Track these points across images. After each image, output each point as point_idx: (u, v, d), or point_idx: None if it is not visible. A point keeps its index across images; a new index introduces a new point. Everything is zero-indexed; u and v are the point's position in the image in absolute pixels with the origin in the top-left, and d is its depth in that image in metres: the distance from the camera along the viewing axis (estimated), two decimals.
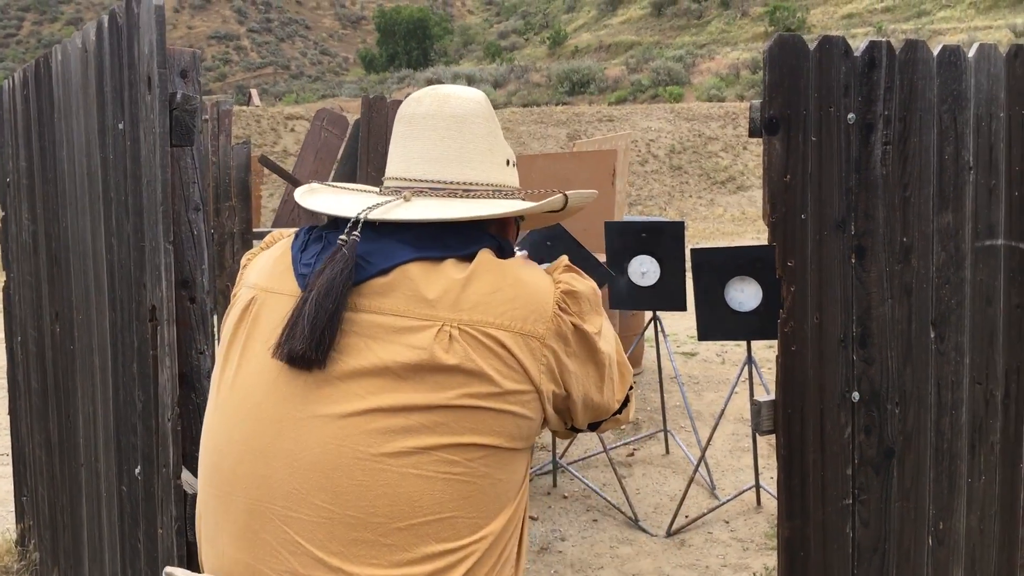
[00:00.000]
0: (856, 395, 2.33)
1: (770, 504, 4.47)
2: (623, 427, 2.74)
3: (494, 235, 1.32)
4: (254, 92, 35.49)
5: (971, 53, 2.47)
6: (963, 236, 2.49)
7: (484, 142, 1.33)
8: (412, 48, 70.84)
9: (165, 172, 1.51)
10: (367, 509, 1.13)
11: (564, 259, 1.33)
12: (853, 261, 2.30)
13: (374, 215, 1.25)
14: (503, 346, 1.17)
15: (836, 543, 2.36)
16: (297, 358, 1.18)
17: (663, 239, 4.32)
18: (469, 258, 1.24)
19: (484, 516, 1.17)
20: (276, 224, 3.88)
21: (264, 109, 24.85)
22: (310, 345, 1.17)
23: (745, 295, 3.81)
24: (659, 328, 4.84)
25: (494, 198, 1.33)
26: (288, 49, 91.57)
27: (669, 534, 4.19)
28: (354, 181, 4.03)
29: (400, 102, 4.24)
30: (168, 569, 1.25)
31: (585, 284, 1.29)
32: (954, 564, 2.60)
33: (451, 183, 1.31)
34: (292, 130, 23.00)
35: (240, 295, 1.34)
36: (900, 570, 2.48)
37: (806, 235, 2.23)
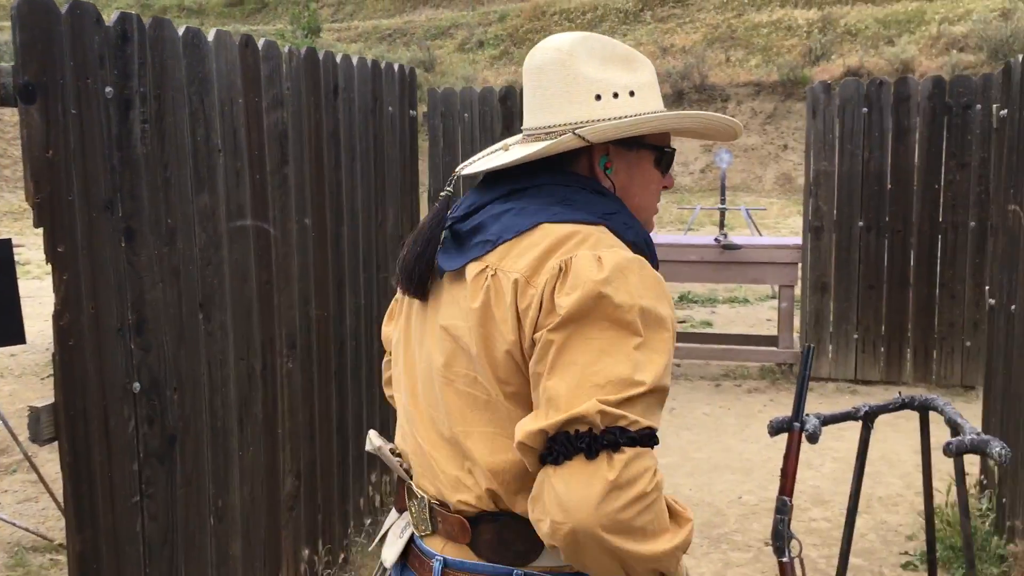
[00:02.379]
0: (137, 385, 2.22)
1: (5, 532, 3.98)
2: None
3: (581, 174, 1.42)
4: None
5: (211, 38, 2.53)
6: (219, 217, 2.55)
7: (560, 86, 1.42)
8: None
9: None
10: (438, 411, 1.38)
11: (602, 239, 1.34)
12: (123, 244, 2.17)
13: (468, 170, 1.51)
14: (514, 290, 1.28)
15: (128, 546, 2.22)
16: (404, 290, 1.47)
17: None
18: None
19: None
20: None
21: None
22: (409, 283, 1.43)
23: None
24: None
25: (561, 137, 1.38)
26: None
27: None
28: None
29: None
30: (370, 433, 1.56)
31: (586, 267, 1.25)
32: (232, 537, 2.68)
33: (537, 128, 1.44)
34: None
35: None
36: (188, 557, 2.45)
37: (75, 217, 2.02)
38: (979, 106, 5.69)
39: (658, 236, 6.92)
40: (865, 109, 5.91)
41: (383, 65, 3.61)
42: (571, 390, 1.18)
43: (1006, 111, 3.61)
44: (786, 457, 2.17)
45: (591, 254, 1.25)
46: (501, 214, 1.36)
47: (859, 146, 5.96)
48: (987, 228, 5.75)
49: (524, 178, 1.40)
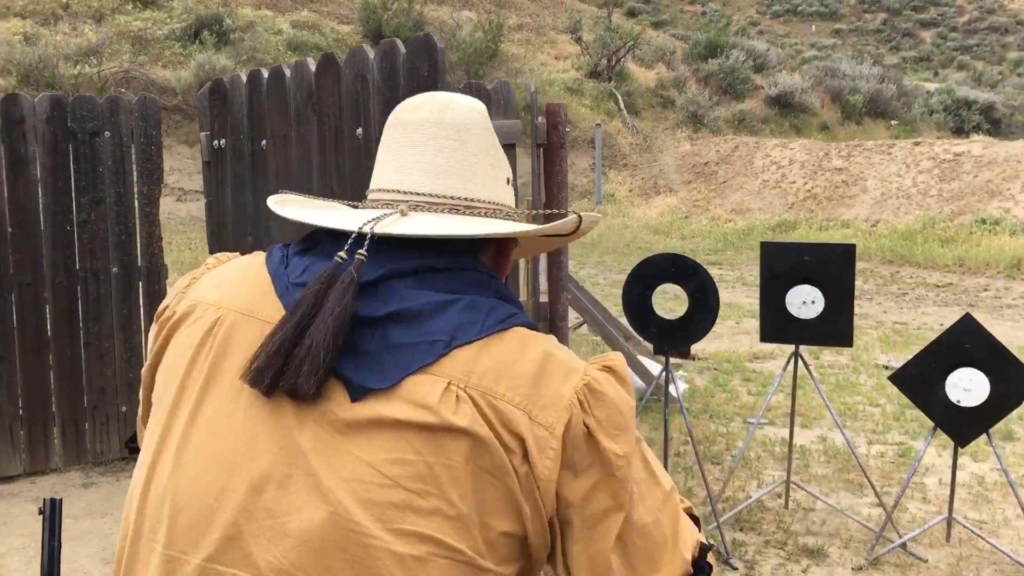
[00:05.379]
0: None
1: None
2: None
3: (489, 267, 1.14)
4: None
5: None
6: None
7: (486, 156, 1.17)
8: None
9: None
10: None
11: (612, 356, 1.07)
12: None
13: (377, 229, 1.07)
14: (506, 425, 0.98)
15: None
16: (299, 398, 0.99)
17: None
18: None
19: None
20: None
21: None
22: (316, 385, 0.98)
23: None
24: None
25: (496, 218, 1.15)
26: None
27: None
28: None
29: None
30: None
31: (619, 392, 1.04)
32: None
33: (452, 198, 1.14)
34: None
35: (194, 312, 1.12)
36: None
37: None
38: (108, 133, 4.89)
39: None
40: None
41: None
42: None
43: (224, 140, 2.96)
44: None
45: (602, 375, 1.04)
46: (445, 305, 1.02)
47: None
48: (133, 273, 5.02)
49: (433, 252, 1.08)
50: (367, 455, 0.97)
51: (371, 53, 2.23)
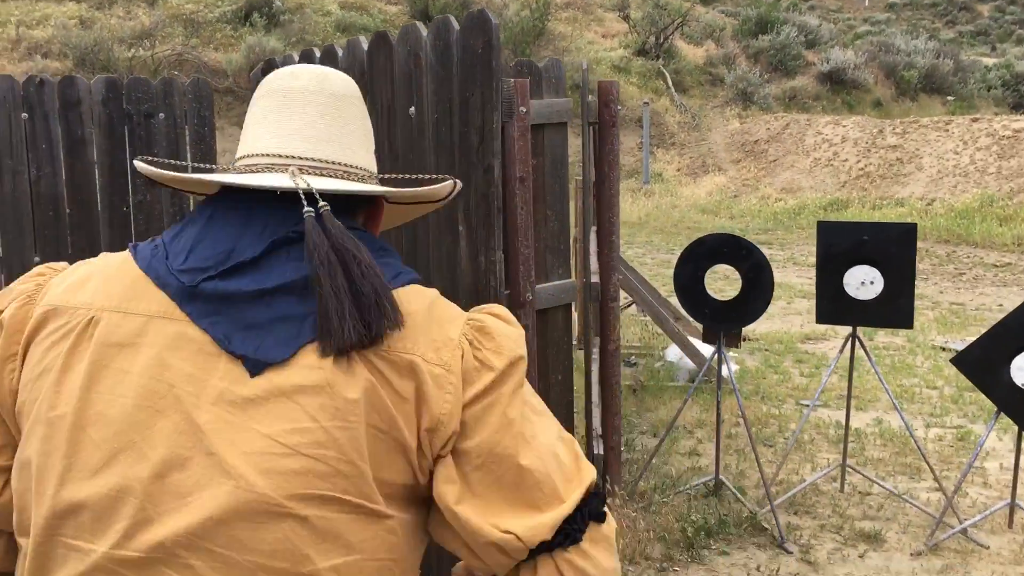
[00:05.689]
0: None
1: None
2: None
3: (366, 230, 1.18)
4: None
5: None
6: None
7: (361, 125, 1.23)
8: None
9: None
10: (267, 565, 1.00)
11: (493, 305, 1.17)
12: None
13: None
14: (400, 374, 1.04)
15: None
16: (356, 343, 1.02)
17: None
18: None
19: None
20: None
21: None
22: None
23: None
24: None
25: (368, 184, 1.20)
26: None
27: None
28: None
29: None
30: None
31: (505, 327, 1.12)
32: None
33: (332, 163, 1.17)
34: None
35: (55, 318, 1.11)
36: None
37: None
38: (162, 115, 4.93)
39: None
40: (26, 115, 4.65)
41: None
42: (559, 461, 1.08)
43: None
44: None
45: (486, 316, 1.13)
46: None
47: (23, 162, 4.67)
48: None
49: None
50: (265, 428, 1.00)
51: (424, 31, 2.21)
